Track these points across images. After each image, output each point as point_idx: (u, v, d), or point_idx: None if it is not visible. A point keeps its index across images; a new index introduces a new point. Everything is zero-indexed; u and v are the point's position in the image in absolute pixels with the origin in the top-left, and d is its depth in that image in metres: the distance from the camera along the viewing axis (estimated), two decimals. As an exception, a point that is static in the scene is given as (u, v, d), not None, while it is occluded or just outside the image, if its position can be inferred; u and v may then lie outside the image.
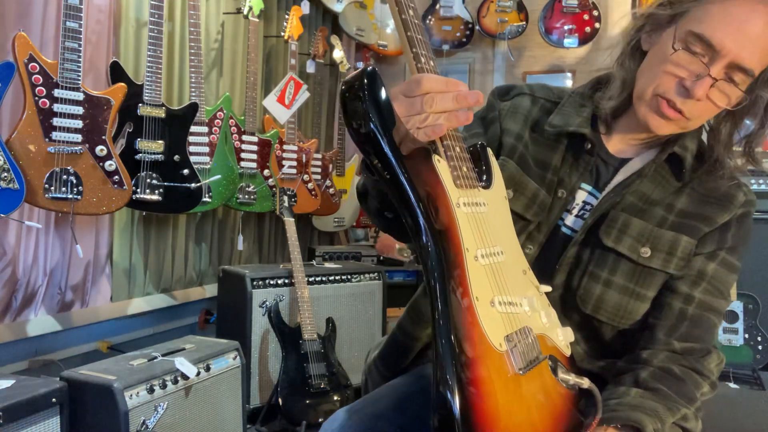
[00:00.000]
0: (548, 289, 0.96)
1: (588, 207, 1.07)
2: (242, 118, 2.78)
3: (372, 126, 0.72)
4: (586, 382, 0.83)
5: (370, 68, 0.75)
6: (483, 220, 0.82)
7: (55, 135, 1.86)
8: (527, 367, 0.79)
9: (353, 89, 0.73)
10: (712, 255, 1.03)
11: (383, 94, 0.73)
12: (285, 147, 3.07)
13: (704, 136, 1.08)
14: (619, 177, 1.06)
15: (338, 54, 3.62)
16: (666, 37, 0.96)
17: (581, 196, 1.07)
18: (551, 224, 1.06)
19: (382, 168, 0.74)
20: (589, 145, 1.06)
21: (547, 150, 1.08)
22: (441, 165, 0.78)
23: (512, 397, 0.75)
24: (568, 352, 0.92)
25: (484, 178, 0.89)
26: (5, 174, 1.70)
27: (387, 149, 0.73)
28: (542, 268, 1.03)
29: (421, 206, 0.74)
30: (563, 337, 0.92)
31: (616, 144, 1.09)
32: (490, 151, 0.92)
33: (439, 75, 0.79)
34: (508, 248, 0.86)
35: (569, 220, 1.07)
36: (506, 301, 0.80)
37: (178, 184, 2.31)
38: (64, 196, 1.87)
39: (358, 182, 1.03)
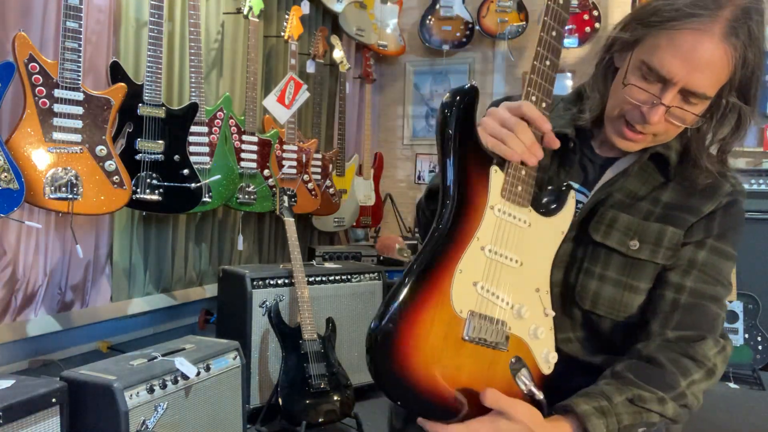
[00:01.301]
0: (552, 313, 1.00)
1: (579, 205, 1.10)
2: (242, 118, 2.78)
3: (451, 142, 0.92)
4: (539, 395, 0.92)
5: (468, 87, 0.93)
6: (513, 231, 0.95)
7: (55, 135, 1.86)
8: (477, 341, 0.91)
9: (445, 115, 0.93)
10: (700, 243, 1.05)
11: (470, 116, 0.92)
12: (285, 147, 3.07)
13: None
14: (607, 175, 1.10)
15: (338, 54, 3.62)
16: (627, 62, 1.01)
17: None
18: None
19: (443, 162, 0.94)
20: (572, 144, 1.11)
21: None
22: (495, 175, 0.94)
23: (448, 352, 0.90)
24: (546, 372, 0.97)
25: (552, 207, 1.01)
26: (5, 174, 1.70)
27: (453, 158, 0.92)
28: None
29: (459, 193, 0.92)
30: (546, 357, 0.98)
31: (601, 145, 1.13)
32: (572, 193, 1.02)
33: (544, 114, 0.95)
34: (531, 266, 0.97)
35: None
36: (490, 291, 0.93)
37: (178, 184, 2.31)
38: (64, 196, 1.87)
39: (430, 181, 1.17)
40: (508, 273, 0.95)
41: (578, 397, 0.95)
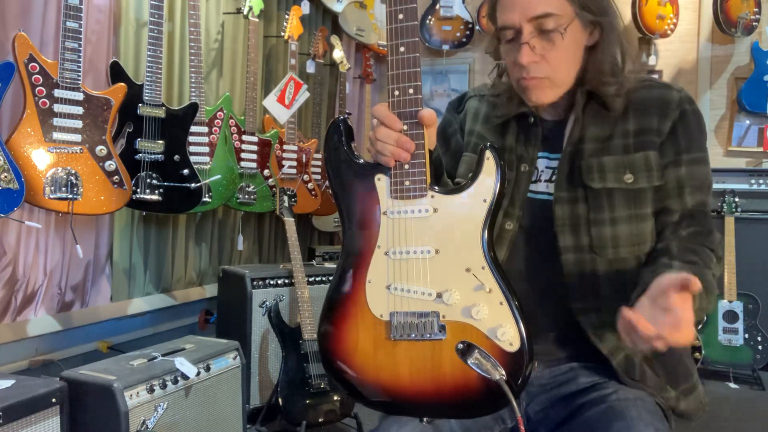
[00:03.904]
0: (494, 288, 0.99)
1: (556, 170, 1.16)
2: (242, 118, 2.78)
3: (332, 176, 1.05)
4: (496, 375, 0.94)
5: (332, 122, 1.05)
6: (414, 225, 1.00)
7: (55, 135, 1.86)
8: (407, 337, 1.00)
9: (324, 157, 1.10)
10: (676, 162, 1.12)
11: (340, 150, 1.04)
12: (285, 147, 3.07)
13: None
14: (567, 132, 1.17)
15: (338, 54, 3.62)
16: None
17: (543, 163, 1.19)
18: (522, 197, 1.16)
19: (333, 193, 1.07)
20: (532, 119, 1.19)
21: (499, 135, 1.23)
22: (380, 182, 1.02)
23: (379, 352, 1.01)
24: (509, 349, 0.96)
25: (465, 182, 1.02)
26: (5, 174, 1.70)
27: (334, 180, 1.05)
28: (537, 240, 1.14)
29: (355, 215, 1.04)
30: (495, 334, 0.97)
31: (549, 111, 1.21)
32: (487, 153, 1.02)
33: (424, 106, 1.00)
34: (451, 249, 1.00)
35: (540, 187, 1.17)
36: (405, 289, 1.00)
37: (178, 184, 2.31)
38: (64, 196, 1.87)
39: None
40: (422, 266, 0.99)
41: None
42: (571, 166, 1.13)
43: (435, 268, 0.99)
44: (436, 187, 1.01)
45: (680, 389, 1.12)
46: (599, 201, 1.10)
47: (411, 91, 0.98)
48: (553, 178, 1.16)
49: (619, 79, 1.12)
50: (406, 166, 0.99)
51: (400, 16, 0.97)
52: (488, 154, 1.01)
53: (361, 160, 1.04)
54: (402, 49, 0.97)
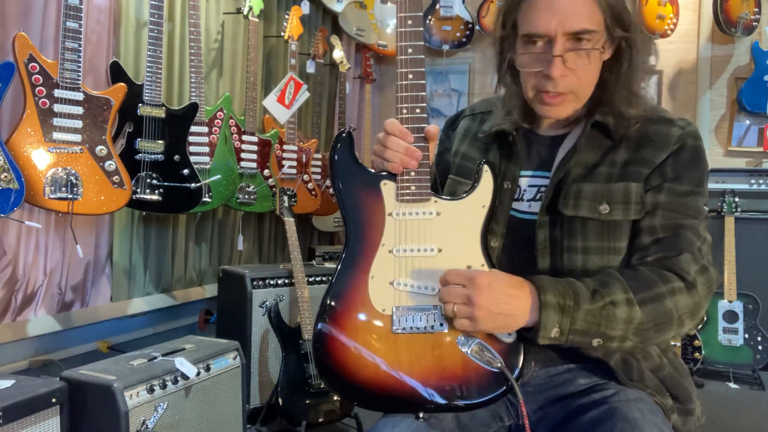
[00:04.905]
0: None
1: (543, 189, 1.15)
2: (242, 118, 2.78)
3: (339, 184, 1.11)
4: (497, 363, 1.00)
5: (338, 135, 1.11)
6: (419, 225, 1.07)
7: (55, 135, 1.86)
8: (410, 330, 1.03)
9: (330, 166, 1.12)
10: (658, 188, 1.09)
11: (347, 159, 1.10)
12: (285, 147, 3.07)
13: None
14: (560, 154, 1.15)
15: (338, 54, 3.62)
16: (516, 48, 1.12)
17: (525, 182, 1.18)
18: (505, 214, 1.16)
19: (336, 196, 1.12)
20: (511, 138, 1.18)
21: (483, 152, 1.23)
22: (386, 187, 1.09)
23: (380, 346, 1.03)
24: (507, 340, 1.02)
25: (467, 189, 1.10)
26: (5, 174, 1.70)
27: (341, 187, 1.10)
28: (518, 258, 1.13)
29: (360, 216, 1.09)
30: None
31: (546, 128, 1.19)
32: (485, 167, 1.10)
33: (426, 123, 1.08)
34: (453, 248, 1.06)
35: (523, 206, 1.16)
36: (409, 284, 1.05)
37: (178, 184, 2.31)
38: (64, 196, 1.87)
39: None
40: (426, 263, 1.06)
41: (552, 285, 1.00)
42: (556, 190, 1.11)
43: (438, 264, 1.05)
44: (438, 194, 1.09)
45: (677, 406, 1.11)
46: (573, 228, 1.09)
47: (418, 110, 1.08)
48: (537, 197, 1.15)
49: (632, 109, 1.09)
50: (413, 173, 1.07)
51: (410, 51, 1.08)
52: (485, 168, 1.09)
53: (367, 168, 1.12)
54: (410, 76, 1.08)
